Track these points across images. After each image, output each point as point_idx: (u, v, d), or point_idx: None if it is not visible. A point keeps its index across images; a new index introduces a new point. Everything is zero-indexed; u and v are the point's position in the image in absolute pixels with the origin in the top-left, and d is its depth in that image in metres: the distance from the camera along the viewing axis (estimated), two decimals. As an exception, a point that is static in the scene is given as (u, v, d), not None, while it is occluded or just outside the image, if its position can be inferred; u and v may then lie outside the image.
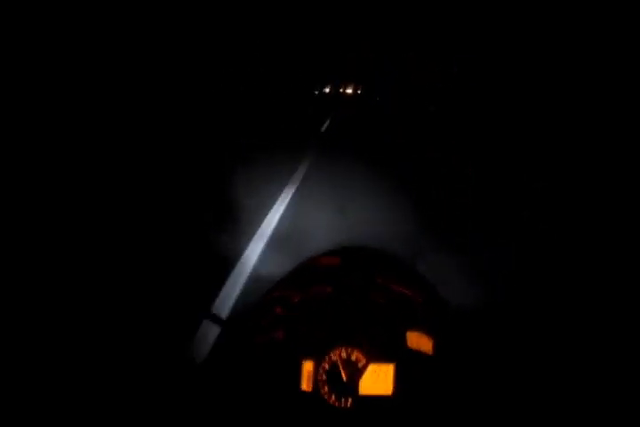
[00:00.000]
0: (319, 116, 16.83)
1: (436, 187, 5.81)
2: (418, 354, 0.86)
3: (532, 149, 8.63)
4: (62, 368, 1.75)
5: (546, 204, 4.96)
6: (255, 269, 2.91)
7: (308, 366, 0.85)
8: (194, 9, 12.30)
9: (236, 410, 0.84)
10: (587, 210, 4.65)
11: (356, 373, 0.85)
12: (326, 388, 0.85)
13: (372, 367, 0.86)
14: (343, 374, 0.85)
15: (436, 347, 0.87)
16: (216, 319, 1.09)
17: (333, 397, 0.85)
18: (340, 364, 0.85)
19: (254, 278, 2.77)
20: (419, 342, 0.87)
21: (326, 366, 0.85)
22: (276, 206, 4.39)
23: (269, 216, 4.08)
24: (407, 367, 0.85)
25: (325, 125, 13.61)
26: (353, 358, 0.86)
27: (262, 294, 0.98)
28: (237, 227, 3.70)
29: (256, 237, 3.53)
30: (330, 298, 0.96)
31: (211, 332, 2.09)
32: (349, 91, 44.55)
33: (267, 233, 3.63)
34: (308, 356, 0.86)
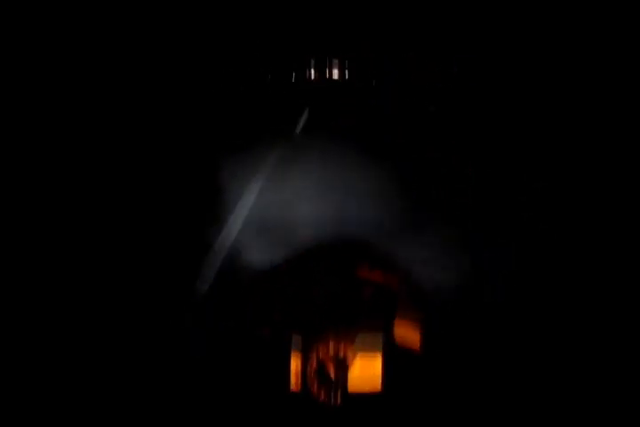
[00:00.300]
0: (305, 107, 16.70)
1: (435, 187, 5.81)
2: (405, 351, 0.87)
3: (531, 149, 8.61)
4: (51, 365, 1.75)
5: (546, 204, 4.95)
6: (242, 259, 2.87)
7: (296, 365, 0.85)
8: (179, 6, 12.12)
9: (227, 410, 0.84)
10: (587, 210, 4.65)
11: (344, 369, 0.85)
12: (315, 386, 0.85)
13: (359, 364, 0.86)
14: (331, 373, 0.85)
15: (423, 344, 0.87)
16: (203, 311, 1.09)
17: (323, 395, 0.85)
18: (327, 361, 0.86)
19: (240, 269, 2.73)
20: (406, 338, 0.88)
21: (314, 365, 0.85)
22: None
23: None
24: (395, 364, 0.85)
25: (311, 117, 13.50)
26: (340, 354, 0.86)
27: (246, 288, 0.98)
28: (224, 217, 3.70)
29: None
30: (319, 293, 0.96)
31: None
32: (336, 75, 43.01)
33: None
34: (295, 353, 0.86)
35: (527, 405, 1.40)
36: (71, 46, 8.00)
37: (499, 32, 15.99)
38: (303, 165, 6.13)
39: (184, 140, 6.94)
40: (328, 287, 0.92)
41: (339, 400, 0.88)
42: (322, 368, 0.89)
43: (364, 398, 0.87)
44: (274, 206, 4.09)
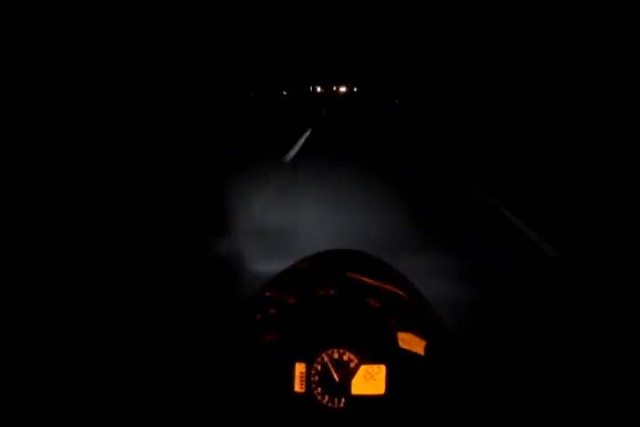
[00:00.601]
0: (310, 115, 16.73)
1: (435, 187, 5.81)
2: (409, 354, 0.86)
3: (531, 149, 8.62)
4: (51, 365, 1.74)
5: (546, 204, 4.95)
6: (246, 268, 2.89)
7: (300, 368, 0.85)
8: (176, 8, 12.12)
9: (231, 412, 0.84)
10: (587, 210, 4.64)
11: (349, 373, 0.85)
12: (319, 389, 0.85)
13: (364, 368, 0.85)
14: (335, 376, 0.85)
15: (427, 347, 0.87)
16: (207, 319, 1.09)
17: (326, 397, 0.85)
18: (332, 365, 0.85)
19: (245, 278, 2.74)
20: (410, 342, 0.87)
21: (319, 368, 0.84)
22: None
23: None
24: (399, 368, 0.85)
25: (318, 124, 13.58)
26: (345, 358, 0.86)
27: (253, 294, 0.98)
28: (227, 226, 3.70)
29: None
30: (322, 300, 0.96)
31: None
32: (343, 89, 43.71)
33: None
34: (300, 357, 0.86)
35: (529, 405, 1.40)
36: (73, 50, 8.02)
37: (498, 32, 16.02)
38: (305, 177, 6.11)
39: (189, 152, 6.94)
40: (332, 296, 0.92)
41: (342, 403, 0.87)
42: (326, 371, 0.89)
43: (368, 401, 0.87)
44: (276, 217, 4.07)
